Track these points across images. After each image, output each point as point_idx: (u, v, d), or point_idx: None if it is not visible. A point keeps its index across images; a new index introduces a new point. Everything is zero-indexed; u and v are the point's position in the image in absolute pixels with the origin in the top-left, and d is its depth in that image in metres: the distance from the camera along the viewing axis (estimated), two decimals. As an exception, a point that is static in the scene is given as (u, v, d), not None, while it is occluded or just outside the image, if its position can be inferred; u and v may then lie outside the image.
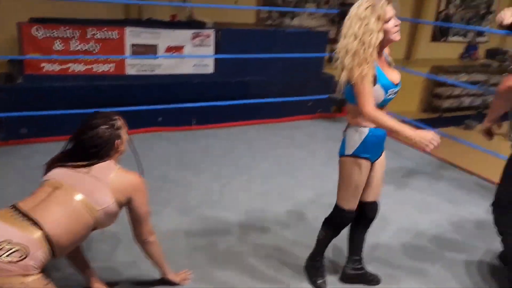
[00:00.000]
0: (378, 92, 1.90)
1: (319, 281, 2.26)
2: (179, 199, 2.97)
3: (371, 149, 1.99)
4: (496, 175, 2.49)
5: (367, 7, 1.85)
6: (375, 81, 1.88)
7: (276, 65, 5.24)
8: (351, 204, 2.10)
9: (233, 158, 3.71)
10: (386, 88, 1.91)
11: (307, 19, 7.38)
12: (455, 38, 8.92)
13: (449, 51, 9.04)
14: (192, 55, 4.63)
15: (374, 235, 2.53)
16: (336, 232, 2.22)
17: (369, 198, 2.16)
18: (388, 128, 1.88)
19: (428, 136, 1.80)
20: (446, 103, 8.30)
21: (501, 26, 2.26)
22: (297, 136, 4.35)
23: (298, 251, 2.48)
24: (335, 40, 7.00)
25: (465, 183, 3.56)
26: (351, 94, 1.92)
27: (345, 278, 2.31)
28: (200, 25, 4.83)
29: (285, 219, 2.84)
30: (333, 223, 2.19)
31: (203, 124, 4.57)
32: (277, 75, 5.32)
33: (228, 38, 4.92)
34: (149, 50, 4.45)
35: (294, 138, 4.28)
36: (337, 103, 5.05)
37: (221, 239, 2.57)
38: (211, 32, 4.76)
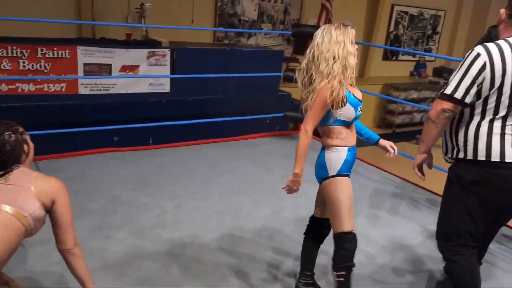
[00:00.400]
0: (349, 111, 2.00)
1: None
2: (132, 221, 2.91)
3: (350, 167, 2.09)
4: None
5: (339, 32, 1.97)
6: (345, 101, 1.98)
7: (233, 83, 5.29)
8: (350, 224, 2.05)
9: (190, 177, 3.69)
10: (355, 106, 2.02)
11: (264, 38, 7.53)
12: (405, 57, 9.37)
13: (400, 69, 9.48)
14: (147, 75, 4.61)
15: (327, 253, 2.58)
16: (352, 264, 2.09)
17: (327, 215, 2.19)
18: (297, 151, 2.03)
19: (298, 184, 2.06)
20: (399, 119, 8.66)
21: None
22: (254, 154, 4.39)
23: (256, 270, 2.49)
24: (291, 59, 7.18)
25: (418, 198, 3.71)
26: (325, 116, 2.00)
27: None
28: (155, 44, 4.82)
29: (242, 238, 2.84)
30: (347, 254, 2.06)
31: (160, 143, 4.53)
32: (234, 94, 5.38)
33: (184, 57, 4.94)
34: (103, 70, 4.39)
35: (251, 156, 4.32)
36: (293, 120, 5.14)
37: (175, 261, 2.54)
38: (167, 51, 4.76)
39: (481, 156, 1.91)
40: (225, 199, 3.37)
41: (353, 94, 2.03)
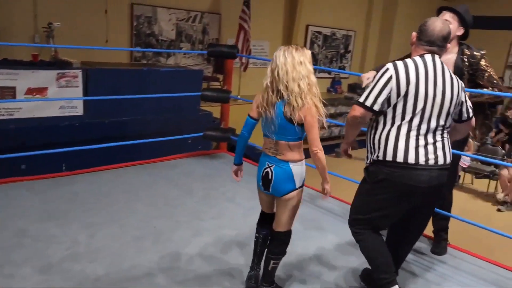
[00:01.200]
0: None
1: None
2: (38, 256, 2.68)
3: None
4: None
5: (300, 53, 2.22)
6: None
7: (152, 104, 5.19)
8: (292, 225, 2.43)
9: (106, 204, 3.51)
10: None
11: (183, 58, 7.51)
12: (322, 75, 9.84)
13: (318, 85, 9.93)
14: (57, 98, 4.36)
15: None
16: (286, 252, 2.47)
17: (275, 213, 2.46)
18: (325, 166, 2.27)
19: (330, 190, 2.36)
20: (318, 134, 9.00)
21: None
22: (175, 176, 4.29)
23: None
24: (211, 78, 7.22)
25: (335, 210, 3.84)
26: (296, 132, 2.23)
27: None
28: (65, 65, 4.59)
29: (160, 264, 2.74)
30: (285, 248, 2.44)
31: (74, 169, 4.27)
32: (154, 114, 5.27)
33: (97, 78, 4.76)
34: (5, 93, 4.08)
35: (171, 178, 4.22)
36: (213, 139, 5.13)
37: (88, 294, 2.37)
38: (78, 72, 4.56)
39: (389, 157, 2.22)
40: (144, 224, 3.24)
41: None
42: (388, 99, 2.19)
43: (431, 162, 2.21)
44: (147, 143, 4.69)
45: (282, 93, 2.19)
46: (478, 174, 7.44)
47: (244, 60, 7.73)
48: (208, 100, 4.99)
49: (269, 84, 2.24)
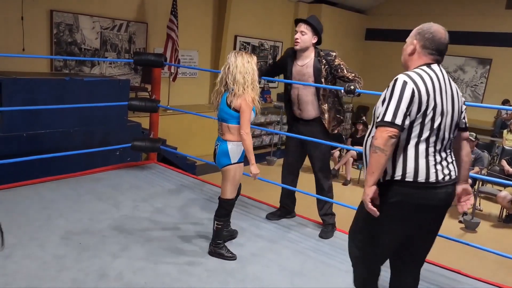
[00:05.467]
0: (252, 113, 2.85)
1: (230, 254, 3.01)
2: None
3: (243, 155, 2.89)
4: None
5: (248, 56, 2.84)
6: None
7: (75, 115, 4.95)
8: (233, 194, 2.95)
9: (23, 222, 3.26)
10: (253, 111, 2.87)
11: (109, 67, 7.25)
12: (251, 84, 9.98)
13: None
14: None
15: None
16: (229, 218, 3.08)
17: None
18: (250, 149, 2.82)
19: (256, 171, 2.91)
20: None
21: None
22: (100, 188, 4.10)
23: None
24: (139, 88, 7.03)
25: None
26: (234, 116, 2.81)
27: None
28: (-26, 75, 4.24)
29: (85, 283, 2.60)
30: (225, 213, 2.97)
31: (-15, 187, 3.93)
32: (78, 126, 5.03)
33: (13, 88, 4.45)
34: None
35: (97, 191, 4.03)
36: (142, 150, 4.99)
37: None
38: (-9, 82, 4.24)
39: (409, 177, 2.01)
40: (66, 241, 3.06)
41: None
42: (408, 115, 1.98)
43: (447, 178, 2.08)
44: (71, 156, 4.44)
45: (229, 85, 2.81)
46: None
47: (173, 69, 7.63)
48: (136, 110, 4.86)
49: (220, 78, 2.88)
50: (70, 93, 4.89)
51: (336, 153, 8.42)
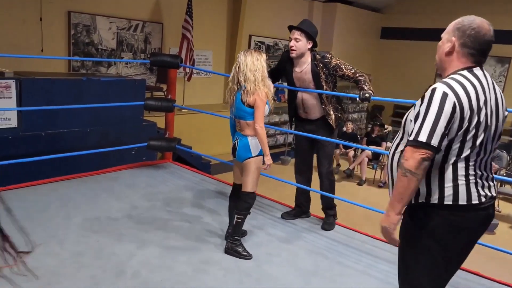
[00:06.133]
0: (266, 109, 2.94)
1: (246, 253, 3.03)
2: (-33, 278, 2.49)
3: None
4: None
5: (257, 54, 2.91)
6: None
7: (92, 115, 5.01)
8: (255, 187, 3.04)
9: (42, 220, 3.33)
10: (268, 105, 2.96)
11: (125, 67, 7.33)
12: (266, 84, 9.98)
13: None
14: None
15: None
16: (248, 212, 3.06)
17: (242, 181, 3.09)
18: (264, 141, 2.92)
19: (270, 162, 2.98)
20: (264, 142, 9.09)
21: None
22: (116, 188, 4.16)
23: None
24: (154, 88, 7.09)
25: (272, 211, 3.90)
26: (250, 113, 2.90)
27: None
28: (-5, 75, 4.33)
29: (103, 279, 2.64)
30: (246, 207, 3.02)
31: (7, 185, 4.01)
32: (94, 126, 5.09)
33: (32, 88, 4.54)
34: None
35: (113, 190, 4.08)
36: (158, 149, 5.04)
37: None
38: (11, 83, 4.32)
39: (448, 200, 1.76)
40: (84, 239, 3.11)
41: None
42: (447, 135, 1.69)
43: (489, 195, 1.82)
44: (88, 156, 4.52)
45: (241, 83, 2.90)
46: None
47: (188, 69, 7.68)
48: (152, 110, 4.90)
49: (232, 77, 2.96)
50: (87, 93, 4.96)
51: (351, 152, 8.38)
